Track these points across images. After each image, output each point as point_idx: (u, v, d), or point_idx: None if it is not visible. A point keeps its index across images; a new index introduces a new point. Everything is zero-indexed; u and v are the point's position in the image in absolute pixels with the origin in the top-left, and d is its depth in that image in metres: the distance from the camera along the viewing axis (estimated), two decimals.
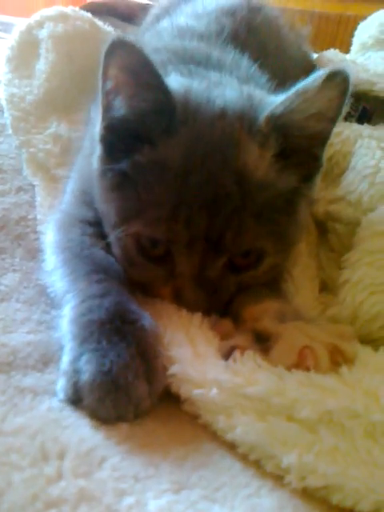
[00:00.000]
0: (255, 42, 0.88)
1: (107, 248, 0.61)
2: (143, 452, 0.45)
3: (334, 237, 0.74)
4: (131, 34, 1.08)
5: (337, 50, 1.09)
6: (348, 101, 0.55)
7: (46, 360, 0.53)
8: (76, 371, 0.48)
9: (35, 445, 0.42)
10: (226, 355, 0.52)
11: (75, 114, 1.01)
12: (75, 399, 0.48)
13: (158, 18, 1.08)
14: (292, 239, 0.62)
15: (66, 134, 0.96)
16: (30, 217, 0.79)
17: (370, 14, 1.16)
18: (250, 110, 0.58)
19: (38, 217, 0.79)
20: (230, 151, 0.56)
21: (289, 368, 0.50)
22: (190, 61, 0.71)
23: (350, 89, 0.53)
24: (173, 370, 0.50)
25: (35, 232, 0.76)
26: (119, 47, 0.52)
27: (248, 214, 0.55)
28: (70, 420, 0.46)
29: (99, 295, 0.53)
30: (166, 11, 1.06)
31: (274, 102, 0.57)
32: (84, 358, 0.48)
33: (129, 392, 0.47)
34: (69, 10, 1.16)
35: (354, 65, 0.94)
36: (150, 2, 1.53)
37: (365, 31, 1.10)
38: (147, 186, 0.56)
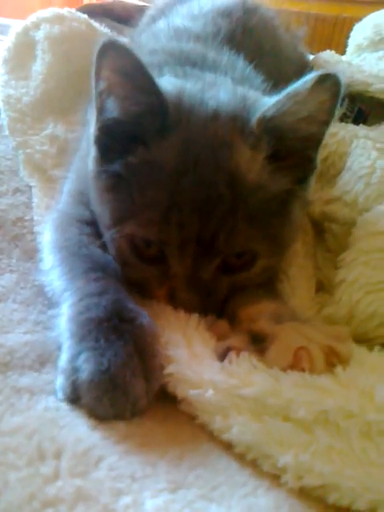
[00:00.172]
0: (251, 42, 0.89)
1: (104, 247, 0.61)
2: (140, 452, 0.45)
3: (331, 237, 0.74)
4: (125, 36, 1.09)
5: (333, 52, 1.09)
6: (342, 103, 0.55)
7: (43, 360, 0.53)
8: (74, 369, 0.48)
9: (32, 444, 0.42)
10: (222, 356, 0.52)
11: (72, 115, 1.01)
12: (73, 397, 0.48)
13: (153, 19, 1.08)
14: (285, 241, 0.63)
15: (63, 135, 0.96)
16: (26, 218, 0.79)
17: (365, 16, 1.17)
18: (242, 112, 0.58)
19: (35, 218, 0.79)
20: (222, 153, 0.56)
21: (284, 369, 0.50)
22: (185, 62, 0.71)
23: (342, 92, 0.53)
24: (169, 369, 0.50)
25: (32, 233, 0.76)
26: (110, 49, 0.53)
27: (240, 217, 0.55)
28: (66, 420, 0.46)
29: (97, 293, 0.53)
30: (162, 12, 1.06)
31: (268, 103, 0.57)
32: (82, 357, 0.48)
33: (126, 390, 0.47)
34: (65, 11, 1.16)
35: (349, 66, 0.94)
36: (146, 4, 1.53)
37: (360, 33, 1.11)
38: (140, 187, 0.56)
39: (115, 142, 0.58)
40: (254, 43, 0.89)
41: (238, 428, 0.46)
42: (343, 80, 0.53)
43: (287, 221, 0.60)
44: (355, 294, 0.62)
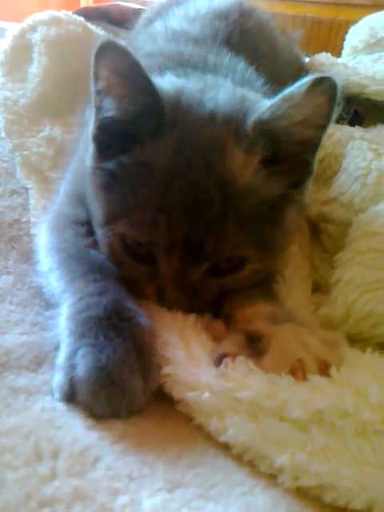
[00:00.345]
0: (248, 45, 0.89)
1: (96, 244, 0.62)
2: (137, 451, 0.45)
3: (327, 237, 0.75)
4: (122, 38, 1.09)
5: (328, 54, 1.10)
6: (339, 106, 0.54)
7: (40, 361, 0.53)
8: (72, 366, 0.48)
9: (29, 444, 0.42)
10: (217, 362, 0.51)
11: (68, 116, 1.01)
12: (70, 394, 0.48)
13: (150, 21, 1.08)
14: (277, 246, 0.62)
15: (60, 137, 0.96)
16: (23, 220, 0.79)
17: (360, 19, 1.17)
18: (239, 114, 0.58)
19: (32, 220, 0.79)
20: (214, 156, 0.56)
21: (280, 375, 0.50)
22: (186, 65, 0.71)
23: (339, 95, 0.53)
24: (167, 370, 0.50)
25: (29, 235, 0.76)
26: (108, 49, 0.53)
27: (230, 221, 0.55)
28: (63, 420, 0.46)
29: (96, 294, 0.54)
30: (158, 14, 1.06)
31: (265, 106, 0.56)
32: (80, 353, 0.48)
33: (124, 388, 0.47)
34: (61, 14, 1.17)
35: (345, 68, 0.95)
36: (143, 7, 1.54)
37: (355, 35, 1.11)
38: (133, 187, 0.56)
39: (112, 140, 0.58)
40: (250, 46, 0.90)
41: (234, 429, 0.46)
42: (339, 83, 0.52)
43: (280, 226, 0.60)
44: (351, 293, 0.62)
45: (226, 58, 0.76)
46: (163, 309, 0.58)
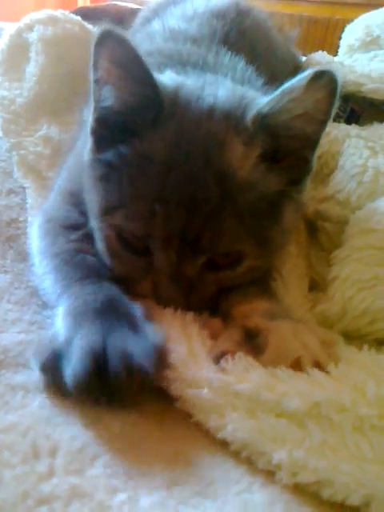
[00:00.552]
0: (245, 44, 0.89)
1: (92, 249, 0.62)
2: (135, 449, 0.45)
3: (324, 235, 0.75)
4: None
5: (325, 53, 1.10)
6: (337, 102, 0.54)
7: None
8: (70, 351, 0.48)
9: (27, 442, 0.43)
10: (217, 360, 0.51)
11: (66, 116, 1.01)
12: (58, 375, 0.47)
13: (147, 20, 1.08)
14: (274, 244, 0.61)
15: (57, 137, 0.96)
16: (20, 219, 0.79)
17: (356, 18, 1.17)
18: (238, 109, 0.58)
19: (29, 219, 0.79)
20: (213, 149, 0.55)
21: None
22: (186, 64, 0.71)
23: (339, 90, 0.52)
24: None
25: (26, 234, 0.75)
26: (108, 38, 0.53)
27: (228, 216, 0.54)
28: (61, 418, 0.46)
29: (93, 292, 0.54)
30: (155, 13, 1.06)
31: (264, 101, 0.56)
32: (78, 337, 0.48)
33: (119, 373, 0.46)
34: (58, 13, 1.17)
35: (341, 66, 0.95)
36: (140, 7, 1.54)
37: (351, 34, 1.11)
38: (130, 179, 0.56)
39: (111, 133, 0.58)
40: (248, 44, 0.90)
41: (233, 426, 0.46)
42: (340, 77, 0.52)
43: (278, 223, 0.59)
44: (348, 290, 0.62)
45: (226, 57, 0.76)
46: (162, 307, 0.58)
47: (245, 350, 0.51)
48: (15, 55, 1.10)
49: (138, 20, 1.15)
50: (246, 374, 0.48)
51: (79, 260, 0.60)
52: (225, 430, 0.46)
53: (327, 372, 0.49)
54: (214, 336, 0.55)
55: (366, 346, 0.55)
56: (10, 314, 0.60)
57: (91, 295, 0.53)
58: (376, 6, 1.19)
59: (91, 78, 0.56)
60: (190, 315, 0.57)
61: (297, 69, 1.05)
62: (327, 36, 1.75)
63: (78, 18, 1.20)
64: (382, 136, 0.80)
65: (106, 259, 0.60)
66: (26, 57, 1.09)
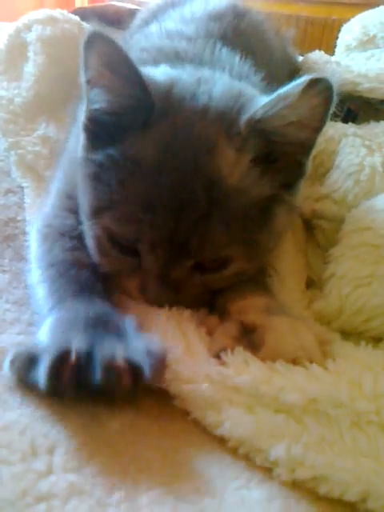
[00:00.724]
0: (242, 45, 0.89)
1: (87, 257, 0.61)
2: (133, 447, 0.45)
3: (320, 234, 0.75)
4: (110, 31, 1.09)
5: (322, 52, 1.10)
6: (332, 109, 0.53)
7: None
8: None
9: (25, 440, 0.43)
10: (216, 355, 0.52)
11: (64, 115, 1.01)
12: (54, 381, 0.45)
13: (146, 22, 1.08)
14: (264, 246, 0.60)
15: (55, 136, 0.96)
16: (18, 218, 0.79)
17: (353, 17, 1.18)
18: (232, 111, 0.57)
19: (27, 218, 0.79)
20: (203, 155, 0.55)
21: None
22: (183, 59, 0.70)
23: (335, 97, 0.52)
24: None
25: (24, 233, 0.76)
26: (97, 40, 0.52)
27: (215, 222, 0.54)
28: (59, 416, 0.46)
29: (85, 307, 0.53)
30: (154, 16, 1.06)
31: (260, 103, 0.55)
32: (65, 339, 0.47)
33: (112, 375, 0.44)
34: (57, 13, 1.17)
35: (338, 66, 0.95)
36: (138, 7, 1.54)
37: (348, 33, 1.12)
38: (120, 180, 0.55)
39: (102, 131, 0.58)
40: (245, 46, 0.90)
41: (230, 422, 0.46)
42: (335, 84, 0.51)
43: (268, 226, 0.58)
44: (344, 288, 0.62)
45: (223, 52, 0.75)
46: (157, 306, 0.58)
47: (242, 346, 0.52)
48: (13, 55, 1.10)
49: (136, 21, 1.15)
50: (246, 367, 0.49)
51: (73, 274, 0.59)
52: (222, 426, 0.46)
53: (325, 368, 0.49)
54: (211, 333, 0.55)
55: (363, 343, 0.55)
56: (8, 314, 0.60)
57: (82, 309, 0.53)
58: (372, 6, 1.20)
59: (82, 78, 0.56)
60: (186, 313, 0.57)
61: (294, 70, 1.05)
62: (324, 36, 1.75)
63: (77, 17, 1.20)
64: (379, 135, 0.80)
65: (95, 257, 0.60)
66: (24, 56, 1.09)
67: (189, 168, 0.54)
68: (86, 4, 2.64)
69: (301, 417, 0.46)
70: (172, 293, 0.57)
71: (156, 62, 0.68)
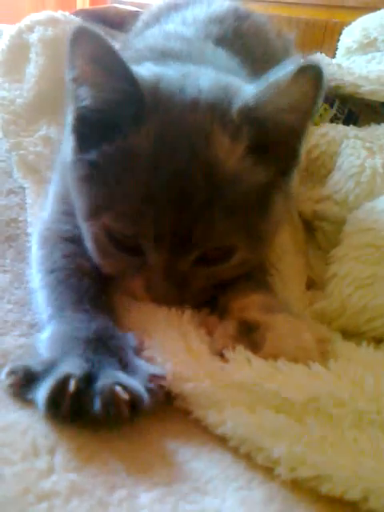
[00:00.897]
0: (242, 47, 0.90)
1: (88, 263, 0.60)
2: (134, 446, 0.45)
3: (321, 235, 0.75)
4: (118, 42, 1.09)
5: (323, 55, 1.10)
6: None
7: None
8: (51, 365, 0.46)
9: (26, 440, 0.43)
10: (218, 353, 0.52)
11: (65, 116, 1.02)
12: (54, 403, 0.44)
13: (147, 25, 1.09)
14: (266, 234, 0.60)
15: (57, 137, 0.97)
16: (20, 219, 0.79)
17: (354, 21, 1.18)
18: (223, 101, 0.56)
19: (29, 219, 0.79)
20: (199, 143, 0.54)
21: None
22: (168, 56, 0.70)
23: (324, 82, 0.52)
24: (165, 366, 0.50)
25: (26, 234, 0.76)
26: (82, 35, 0.51)
27: (217, 210, 0.54)
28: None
29: (86, 320, 0.52)
30: (156, 19, 1.06)
31: (250, 91, 0.55)
32: (63, 362, 0.46)
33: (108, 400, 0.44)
34: (59, 14, 1.18)
35: (339, 68, 0.95)
36: (140, 9, 1.54)
37: (349, 36, 1.12)
38: (116, 177, 0.54)
39: (92, 130, 0.57)
40: (245, 48, 0.90)
41: (232, 421, 0.46)
42: (325, 70, 0.51)
43: (267, 214, 0.58)
44: (346, 288, 0.62)
45: (212, 51, 0.75)
46: (158, 306, 0.58)
47: (242, 345, 0.52)
48: (15, 56, 1.11)
49: (138, 23, 1.15)
50: (248, 364, 0.49)
51: (73, 283, 0.58)
52: (224, 425, 0.46)
53: (327, 367, 0.50)
54: (211, 333, 0.55)
55: (364, 343, 0.55)
56: (10, 314, 0.60)
57: (83, 327, 0.52)
58: (373, 9, 1.20)
59: (68, 76, 0.55)
60: (187, 314, 0.57)
61: None
62: (325, 39, 1.75)
63: (78, 19, 1.21)
64: (380, 137, 0.81)
65: (96, 259, 0.59)
66: (26, 57, 1.10)
67: (186, 156, 0.53)
68: (86, 5, 2.66)
69: (302, 416, 0.46)
70: (178, 289, 0.57)
71: (142, 59, 0.67)
